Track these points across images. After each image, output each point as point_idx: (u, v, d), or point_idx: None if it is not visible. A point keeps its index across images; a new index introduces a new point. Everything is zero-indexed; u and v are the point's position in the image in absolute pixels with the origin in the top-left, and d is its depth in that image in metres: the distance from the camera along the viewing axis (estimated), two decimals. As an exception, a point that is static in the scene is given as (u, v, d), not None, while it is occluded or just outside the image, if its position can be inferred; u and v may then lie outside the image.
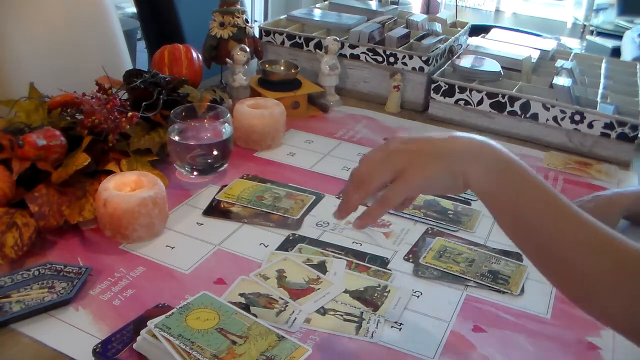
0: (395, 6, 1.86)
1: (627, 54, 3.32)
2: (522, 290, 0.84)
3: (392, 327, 0.75)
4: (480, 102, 1.34)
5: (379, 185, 0.65)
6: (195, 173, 1.05)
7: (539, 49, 1.60)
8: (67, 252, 0.85)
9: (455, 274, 0.86)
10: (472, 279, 0.85)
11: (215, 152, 1.04)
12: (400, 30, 1.52)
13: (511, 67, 1.48)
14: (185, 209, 0.97)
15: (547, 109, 1.28)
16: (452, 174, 0.63)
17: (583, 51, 3.50)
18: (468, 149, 0.64)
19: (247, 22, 1.39)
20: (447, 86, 1.36)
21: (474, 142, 0.64)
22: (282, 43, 1.54)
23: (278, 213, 0.97)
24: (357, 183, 0.66)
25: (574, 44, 4.41)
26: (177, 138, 1.02)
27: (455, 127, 1.36)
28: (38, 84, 1.04)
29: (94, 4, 1.52)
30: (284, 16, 1.68)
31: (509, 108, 1.32)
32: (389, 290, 0.81)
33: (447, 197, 1.06)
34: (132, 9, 3.32)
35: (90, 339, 0.70)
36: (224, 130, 1.05)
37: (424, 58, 1.39)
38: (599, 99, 1.34)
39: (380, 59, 1.44)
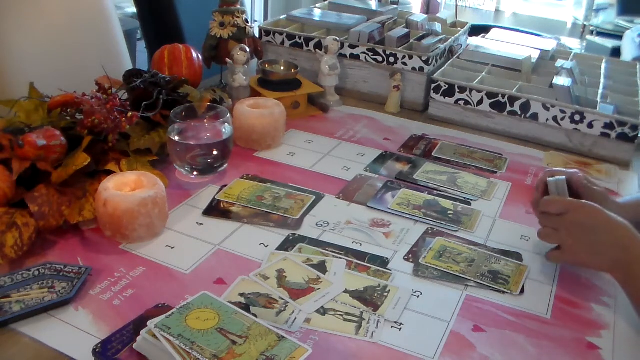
0: (395, 6, 1.86)
1: (627, 54, 3.32)
2: (522, 290, 0.84)
3: (392, 327, 0.75)
4: (480, 102, 1.34)
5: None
6: (195, 173, 1.05)
7: (539, 49, 1.60)
8: (67, 252, 0.85)
9: (455, 274, 0.86)
10: (472, 279, 0.85)
11: (215, 152, 1.04)
12: (400, 30, 1.52)
13: (511, 67, 1.48)
14: (185, 209, 0.97)
15: (547, 109, 1.28)
16: None
17: (583, 51, 3.50)
18: None
19: (247, 22, 1.39)
20: (447, 86, 1.36)
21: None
22: (282, 43, 1.54)
23: (278, 213, 0.97)
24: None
25: (574, 44, 4.41)
26: (177, 138, 1.02)
27: (456, 127, 1.36)
28: (38, 84, 1.04)
29: (94, 4, 1.52)
30: (284, 16, 1.68)
31: (509, 108, 1.32)
32: (389, 290, 0.81)
33: (447, 197, 1.06)
34: (132, 9, 3.32)
35: (90, 339, 0.70)
36: (224, 130, 1.06)
37: (424, 58, 1.39)
38: (599, 99, 1.34)
39: (380, 59, 1.44)
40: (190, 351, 0.63)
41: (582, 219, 0.83)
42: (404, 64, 1.42)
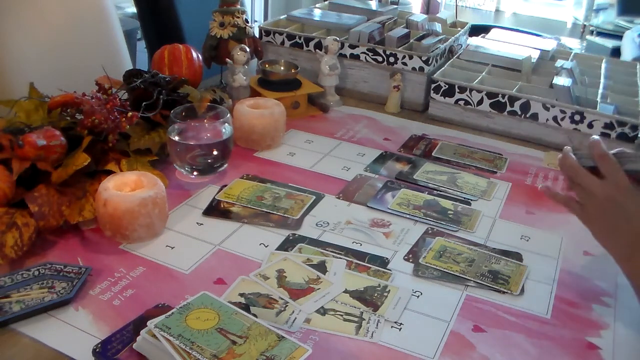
0: (395, 6, 1.86)
1: (627, 54, 3.32)
2: (522, 290, 0.84)
3: (392, 327, 0.75)
4: (480, 102, 1.34)
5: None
6: (195, 173, 1.05)
7: (539, 49, 1.60)
8: (67, 252, 0.85)
9: (455, 274, 0.86)
10: (472, 279, 0.85)
11: (215, 152, 1.04)
12: (400, 30, 1.52)
13: (511, 67, 1.48)
14: (185, 209, 0.97)
15: (547, 109, 1.28)
16: None
17: (583, 51, 3.50)
18: None
19: (247, 22, 1.39)
20: (447, 86, 1.36)
21: None
22: (282, 43, 1.54)
23: (278, 213, 0.97)
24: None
25: (574, 44, 4.41)
26: (177, 138, 1.02)
27: (456, 127, 1.36)
28: (38, 84, 1.04)
29: (94, 4, 1.52)
30: (284, 16, 1.68)
31: (509, 108, 1.32)
32: (389, 290, 0.81)
33: (447, 197, 1.06)
34: (132, 9, 3.32)
35: (90, 339, 0.70)
36: (224, 130, 1.06)
37: (424, 58, 1.39)
38: (599, 99, 1.34)
39: (380, 59, 1.44)
40: (190, 351, 0.63)
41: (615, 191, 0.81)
42: (404, 64, 1.42)
